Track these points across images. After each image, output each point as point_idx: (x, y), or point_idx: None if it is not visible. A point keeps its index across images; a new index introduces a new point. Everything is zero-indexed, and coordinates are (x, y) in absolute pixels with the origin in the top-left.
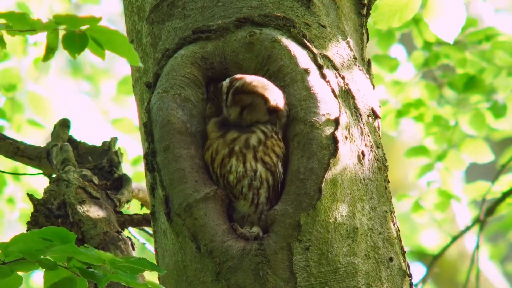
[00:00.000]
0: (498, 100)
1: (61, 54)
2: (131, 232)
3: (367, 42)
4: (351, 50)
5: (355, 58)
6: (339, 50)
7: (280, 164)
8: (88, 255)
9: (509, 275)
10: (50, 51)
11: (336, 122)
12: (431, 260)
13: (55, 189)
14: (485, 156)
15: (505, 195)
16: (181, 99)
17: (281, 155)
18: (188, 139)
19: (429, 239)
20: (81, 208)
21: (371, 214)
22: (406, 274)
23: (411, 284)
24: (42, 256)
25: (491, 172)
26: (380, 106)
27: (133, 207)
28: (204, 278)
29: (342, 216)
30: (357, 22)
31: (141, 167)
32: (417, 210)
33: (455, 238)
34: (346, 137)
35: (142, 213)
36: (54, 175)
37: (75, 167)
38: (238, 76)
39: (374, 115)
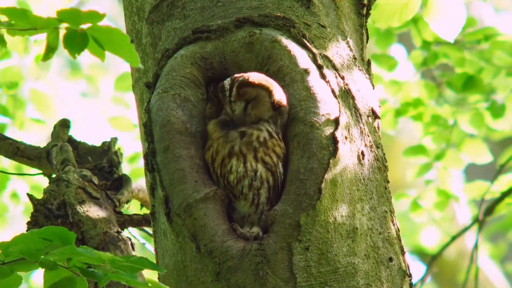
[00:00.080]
0: (497, 100)
1: (61, 54)
2: (131, 232)
3: (367, 42)
4: (351, 50)
5: (355, 58)
6: (339, 50)
7: (280, 164)
8: (87, 256)
9: (509, 275)
10: (50, 50)
11: (336, 122)
12: (430, 260)
13: (55, 189)
14: (484, 156)
15: (504, 195)
16: (181, 99)
17: (281, 155)
18: (188, 139)
19: (429, 238)
20: (81, 208)
21: (371, 214)
22: (406, 274)
23: (411, 284)
24: (42, 257)
25: (491, 172)
26: (380, 106)
27: (133, 207)
28: (204, 278)
29: (342, 216)
30: (357, 22)
31: (138, 165)
32: (416, 209)
33: (453, 238)
34: (346, 137)
35: (142, 213)
36: (54, 175)
37: (75, 167)
38: (238, 74)
39: (374, 115)
